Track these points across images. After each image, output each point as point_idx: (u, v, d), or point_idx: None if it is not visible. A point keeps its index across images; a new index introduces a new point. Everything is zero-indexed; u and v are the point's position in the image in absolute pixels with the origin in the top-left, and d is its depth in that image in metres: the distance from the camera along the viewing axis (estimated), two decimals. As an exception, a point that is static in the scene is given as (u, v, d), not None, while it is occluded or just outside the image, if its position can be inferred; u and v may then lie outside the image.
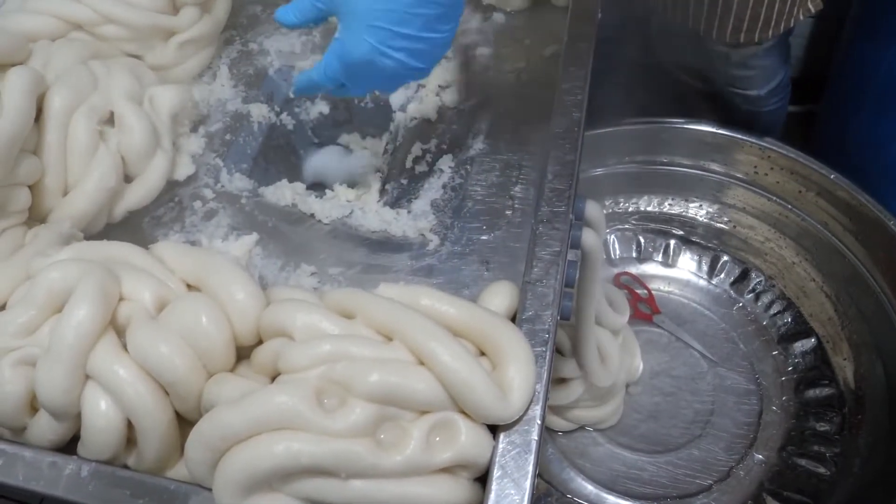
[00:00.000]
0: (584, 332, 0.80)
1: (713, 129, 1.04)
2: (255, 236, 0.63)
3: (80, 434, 0.48)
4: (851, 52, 1.15)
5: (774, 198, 1.05)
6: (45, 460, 0.47)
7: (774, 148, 1.02)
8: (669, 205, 1.13)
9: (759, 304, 1.08)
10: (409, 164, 0.69)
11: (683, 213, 1.13)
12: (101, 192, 0.60)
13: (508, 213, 0.63)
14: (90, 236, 0.62)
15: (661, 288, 1.11)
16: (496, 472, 0.43)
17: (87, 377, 0.47)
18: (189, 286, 0.52)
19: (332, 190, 0.71)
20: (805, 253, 1.05)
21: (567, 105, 0.60)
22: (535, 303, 0.50)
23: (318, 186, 0.77)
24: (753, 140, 1.03)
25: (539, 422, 0.45)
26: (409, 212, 0.64)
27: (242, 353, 0.51)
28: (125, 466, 0.49)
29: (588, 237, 0.67)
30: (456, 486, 0.44)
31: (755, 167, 1.05)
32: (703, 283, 1.11)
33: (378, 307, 0.47)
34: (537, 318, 0.49)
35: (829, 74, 1.25)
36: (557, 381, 0.89)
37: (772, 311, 1.07)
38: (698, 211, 1.12)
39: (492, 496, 0.42)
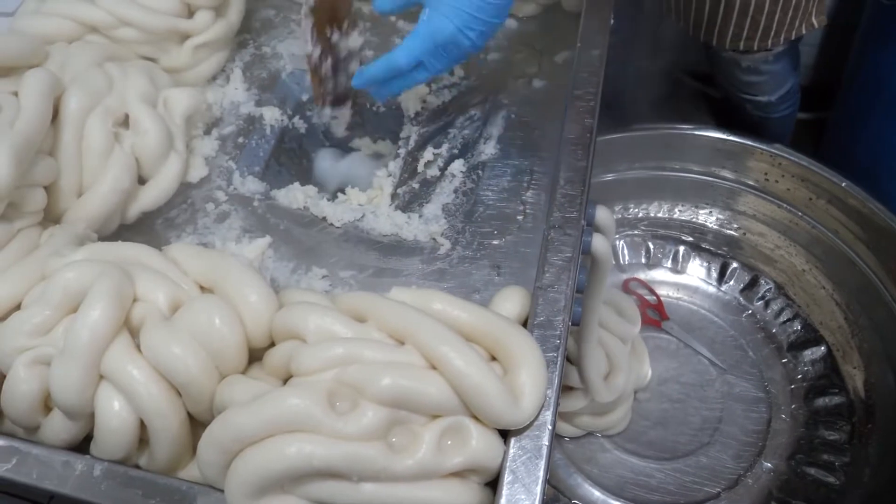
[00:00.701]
0: (586, 348, 0.79)
1: (724, 136, 1.04)
2: (268, 239, 0.63)
3: (93, 433, 0.49)
4: (863, 59, 1.15)
5: (785, 205, 1.05)
6: (58, 459, 0.47)
7: (785, 155, 1.02)
8: (679, 211, 1.13)
9: (769, 311, 1.08)
10: (420, 168, 0.69)
11: (693, 220, 1.13)
12: (115, 193, 0.61)
13: (520, 218, 0.63)
14: (104, 237, 0.62)
15: (670, 294, 1.11)
16: (507, 478, 0.43)
17: (101, 377, 0.47)
18: (202, 288, 0.52)
19: (344, 193, 0.72)
20: (815, 261, 1.05)
21: (579, 111, 0.61)
22: (547, 308, 0.50)
23: (330, 190, 0.77)
24: (764, 147, 1.03)
25: (550, 427, 0.45)
26: (420, 216, 0.64)
27: (254, 356, 0.51)
28: (137, 466, 0.50)
29: (598, 242, 0.67)
30: (467, 491, 0.44)
31: (766, 174, 1.05)
32: (712, 289, 1.11)
33: (390, 311, 0.47)
34: (549, 323, 0.49)
35: (841, 82, 1.25)
36: (563, 388, 0.89)
37: (781, 319, 1.07)
38: (708, 217, 1.12)
39: (502, 501, 0.42)
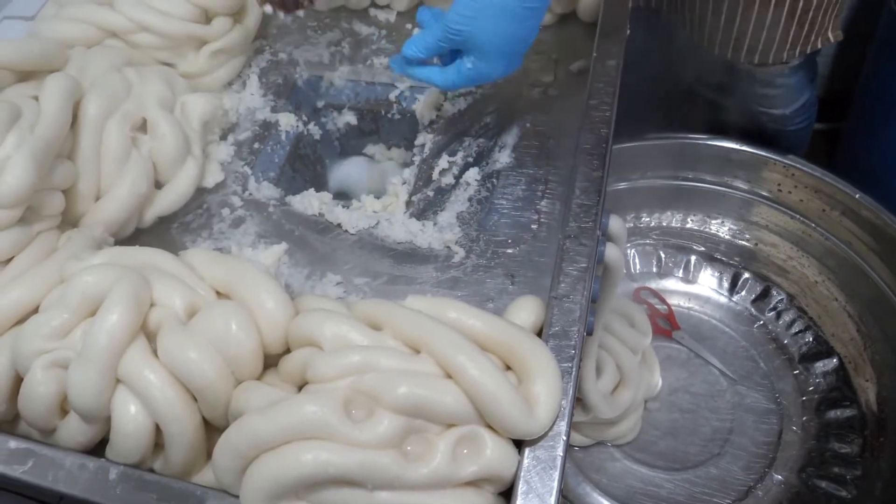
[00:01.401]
0: (584, 361, 0.77)
1: (737, 146, 1.04)
2: (284, 245, 0.63)
3: (109, 437, 0.49)
4: (877, 71, 1.15)
5: (798, 216, 1.05)
6: (73, 462, 0.48)
7: (799, 166, 1.02)
8: (692, 221, 1.13)
9: (781, 322, 1.07)
10: (435, 176, 0.69)
11: (706, 230, 1.13)
12: (132, 197, 0.61)
13: (534, 227, 0.63)
14: (120, 241, 0.63)
15: (682, 304, 1.11)
16: (521, 488, 0.43)
17: (118, 381, 0.47)
18: (219, 293, 0.52)
19: (359, 200, 0.72)
20: (828, 272, 1.04)
21: (595, 121, 0.61)
22: (562, 318, 0.50)
23: (344, 196, 0.78)
24: (778, 158, 1.03)
25: (564, 438, 0.45)
26: (434, 224, 0.64)
27: (269, 362, 0.51)
28: (151, 470, 0.50)
29: (611, 251, 0.67)
30: (480, 500, 0.44)
31: (779, 185, 1.05)
32: (723, 299, 1.11)
33: (406, 319, 0.47)
34: (564, 333, 0.49)
35: (855, 93, 1.25)
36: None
37: (793, 330, 1.06)
38: (720, 227, 1.12)
39: (516, 511, 0.42)
